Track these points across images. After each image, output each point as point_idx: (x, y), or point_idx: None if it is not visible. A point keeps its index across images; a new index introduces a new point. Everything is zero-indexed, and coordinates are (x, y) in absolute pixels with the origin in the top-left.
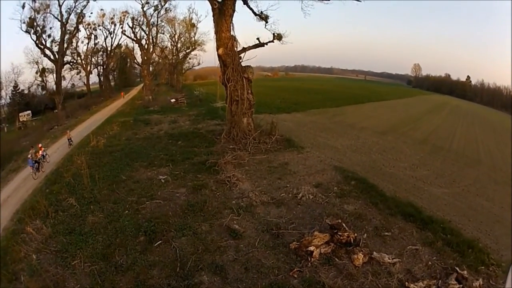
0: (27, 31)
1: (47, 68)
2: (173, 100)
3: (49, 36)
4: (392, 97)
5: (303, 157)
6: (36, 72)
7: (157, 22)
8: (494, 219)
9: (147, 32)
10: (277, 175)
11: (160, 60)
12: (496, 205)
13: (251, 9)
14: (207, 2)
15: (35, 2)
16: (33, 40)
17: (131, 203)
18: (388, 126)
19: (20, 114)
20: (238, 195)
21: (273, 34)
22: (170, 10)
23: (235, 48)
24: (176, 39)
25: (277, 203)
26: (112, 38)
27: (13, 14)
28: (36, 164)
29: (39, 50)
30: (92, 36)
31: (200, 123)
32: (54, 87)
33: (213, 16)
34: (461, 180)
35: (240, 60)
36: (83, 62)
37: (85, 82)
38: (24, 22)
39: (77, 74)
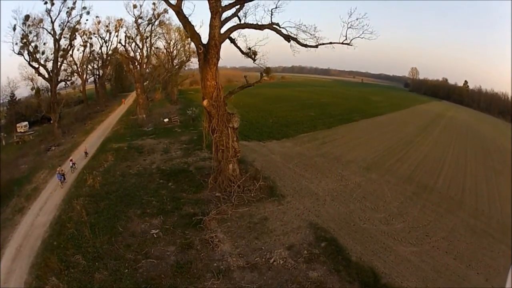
0: (19, 53)
1: (42, 88)
2: (166, 120)
3: (43, 53)
4: (386, 110)
5: (282, 210)
6: (32, 89)
7: (151, 34)
8: (456, 282)
9: (140, 46)
10: (256, 233)
11: (153, 77)
12: (464, 263)
13: (238, 47)
14: (202, 11)
15: (25, 24)
16: (27, 60)
17: (130, 261)
18: (374, 158)
19: (18, 125)
20: (219, 257)
21: (261, 73)
22: (164, 23)
23: (220, 98)
24: (171, 47)
25: (251, 268)
26: (107, 47)
27: (4, 36)
28: (63, 177)
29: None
30: (88, 44)
31: (191, 155)
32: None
33: (199, 61)
34: (435, 233)
35: (226, 108)
36: (79, 69)
37: (81, 90)
38: (16, 44)
39: (73, 89)
